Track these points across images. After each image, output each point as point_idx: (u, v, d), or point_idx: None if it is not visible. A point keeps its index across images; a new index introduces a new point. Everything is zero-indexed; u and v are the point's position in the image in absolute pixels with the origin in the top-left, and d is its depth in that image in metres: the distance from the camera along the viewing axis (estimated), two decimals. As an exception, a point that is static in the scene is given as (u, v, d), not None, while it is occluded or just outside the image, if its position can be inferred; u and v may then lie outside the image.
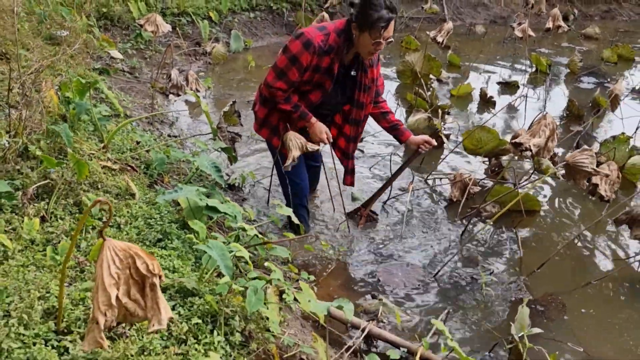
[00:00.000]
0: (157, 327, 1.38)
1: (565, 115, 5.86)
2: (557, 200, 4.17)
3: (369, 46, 2.80)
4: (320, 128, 3.07)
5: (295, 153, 3.03)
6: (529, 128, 3.22)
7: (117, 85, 5.17)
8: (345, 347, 2.41)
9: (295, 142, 3.06)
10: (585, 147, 3.16)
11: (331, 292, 3.02)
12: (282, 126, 3.13)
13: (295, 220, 2.82)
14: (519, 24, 7.40)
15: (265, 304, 2.11)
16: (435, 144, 3.36)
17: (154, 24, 5.10)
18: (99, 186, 2.75)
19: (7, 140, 2.48)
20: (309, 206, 3.61)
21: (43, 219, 2.40)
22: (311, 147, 3.08)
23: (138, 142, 3.66)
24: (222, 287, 2.07)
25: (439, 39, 6.07)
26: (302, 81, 2.92)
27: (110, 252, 1.34)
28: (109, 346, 1.64)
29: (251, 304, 1.97)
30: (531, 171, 4.11)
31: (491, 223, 3.49)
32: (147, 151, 3.50)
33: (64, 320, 1.74)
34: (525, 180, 3.92)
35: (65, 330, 1.73)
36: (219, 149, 3.52)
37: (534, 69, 7.34)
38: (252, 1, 8.23)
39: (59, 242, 2.22)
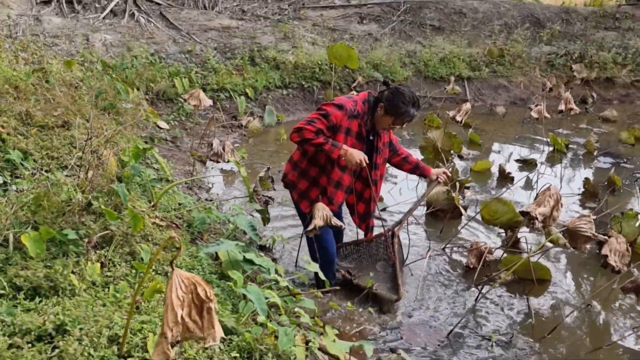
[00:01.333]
0: (212, 343, 1.68)
1: (581, 192, 6.11)
2: (570, 271, 4.37)
3: (387, 126, 3.33)
4: (355, 153, 3.25)
5: (318, 222, 3.33)
6: (535, 199, 3.51)
7: (160, 153, 5.65)
8: (365, 393, 2.63)
9: (321, 213, 3.37)
10: (584, 213, 3.43)
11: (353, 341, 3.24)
12: (315, 196, 3.47)
13: (322, 276, 3.11)
14: (536, 105, 7.82)
15: (294, 345, 2.38)
16: (450, 175, 3.82)
17: (197, 98, 5.65)
18: (150, 239, 3.11)
19: (80, 196, 2.88)
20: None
21: (102, 265, 2.75)
22: (335, 222, 3.40)
23: (180, 204, 4.05)
24: (257, 329, 2.35)
25: (458, 118, 6.49)
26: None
27: (178, 279, 1.67)
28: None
29: (283, 343, 2.25)
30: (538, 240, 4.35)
31: (496, 285, 3.72)
32: (189, 211, 3.88)
33: (126, 345, 2.04)
34: (537, 250, 4.15)
35: (126, 354, 2.03)
36: (255, 210, 3.87)
37: (551, 149, 7.67)
38: (285, 79, 8.87)
39: (117, 284, 2.56)
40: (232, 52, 9.06)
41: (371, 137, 3.46)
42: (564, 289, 4.12)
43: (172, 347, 1.68)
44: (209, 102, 5.77)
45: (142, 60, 7.33)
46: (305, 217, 3.55)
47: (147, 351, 2.05)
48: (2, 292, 2.37)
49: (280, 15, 11.32)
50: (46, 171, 3.37)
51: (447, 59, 10.71)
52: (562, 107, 7.47)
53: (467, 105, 6.38)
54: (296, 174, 3.54)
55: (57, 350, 1.97)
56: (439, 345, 3.33)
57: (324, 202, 3.44)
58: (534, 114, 7.68)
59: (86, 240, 2.80)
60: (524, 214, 3.49)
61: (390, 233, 3.80)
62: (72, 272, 2.54)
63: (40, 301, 2.32)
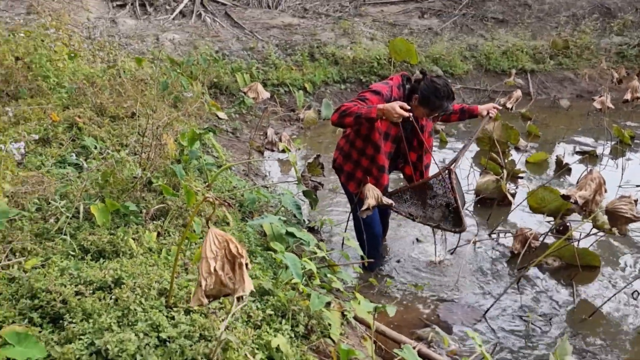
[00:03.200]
0: (242, 294, 1.89)
1: (643, 184, 5.92)
2: (621, 258, 4.30)
3: (421, 115, 3.43)
4: (389, 106, 3.13)
5: (371, 202, 3.49)
6: (577, 183, 3.52)
7: (220, 143, 6.00)
8: None
9: (372, 192, 3.53)
10: (624, 194, 3.40)
11: (391, 320, 3.38)
12: (362, 175, 3.63)
13: (360, 252, 3.28)
14: (600, 96, 7.59)
15: (328, 310, 2.57)
16: (500, 107, 3.80)
17: (255, 91, 5.94)
18: (202, 214, 3.39)
19: (140, 172, 3.20)
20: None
21: (159, 234, 3.06)
22: (386, 200, 3.55)
23: (234, 186, 4.34)
24: (291, 293, 2.56)
25: (509, 105, 6.43)
26: (377, 129, 3.42)
27: (212, 236, 1.90)
28: (203, 314, 2.17)
29: (314, 304, 2.44)
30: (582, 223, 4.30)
31: (531, 267, 3.73)
32: (242, 195, 4.15)
33: (173, 297, 2.31)
34: (584, 236, 4.12)
35: (173, 305, 2.29)
36: (303, 194, 4.09)
37: (615, 141, 7.42)
38: (344, 74, 9.06)
39: (170, 250, 2.85)
40: (292, 49, 9.35)
41: (410, 119, 3.50)
42: (613, 275, 4.07)
43: (208, 298, 1.91)
44: (267, 94, 6.04)
45: (207, 57, 7.73)
46: (353, 199, 3.73)
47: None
48: (72, 253, 2.71)
49: (341, 12, 11.52)
50: (113, 151, 3.74)
51: (509, 51, 10.52)
52: (627, 96, 7.21)
53: (517, 93, 6.28)
54: (342, 157, 3.73)
55: (114, 298, 2.27)
56: (474, 323, 3.42)
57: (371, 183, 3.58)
58: (597, 105, 7.45)
59: (145, 212, 3.12)
60: (565, 197, 3.51)
61: (446, 171, 3.68)
62: (132, 239, 2.85)
63: (103, 262, 2.63)
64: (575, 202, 3.37)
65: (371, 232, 3.80)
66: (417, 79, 3.44)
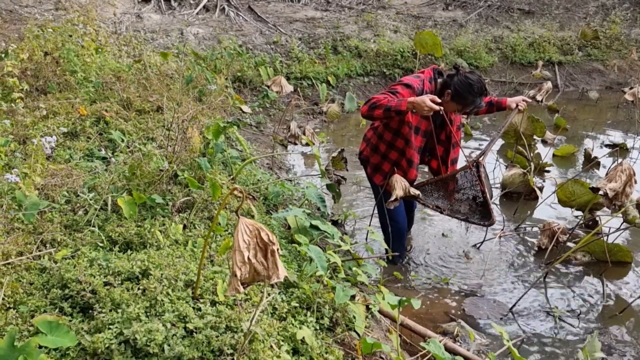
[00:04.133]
0: (276, 280, 1.90)
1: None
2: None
3: (453, 110, 3.38)
4: (419, 99, 3.09)
5: (399, 192, 3.47)
6: (606, 174, 3.44)
7: (244, 137, 6.02)
8: (420, 353, 2.76)
9: (400, 183, 3.51)
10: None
11: (416, 314, 3.37)
12: (389, 168, 3.61)
13: (384, 245, 3.26)
14: (631, 88, 7.41)
15: (353, 303, 2.57)
16: (530, 101, 3.70)
17: (279, 85, 5.96)
18: (227, 206, 3.41)
19: (166, 165, 3.24)
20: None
21: (184, 226, 3.09)
22: (413, 191, 3.52)
23: (259, 180, 4.35)
24: (316, 285, 2.56)
25: (538, 98, 6.31)
26: (406, 123, 3.38)
27: (243, 225, 1.91)
28: (229, 305, 2.19)
29: (339, 297, 2.44)
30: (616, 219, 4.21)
31: (559, 261, 3.66)
32: (266, 189, 4.17)
33: (199, 289, 2.33)
34: (614, 231, 4.03)
35: (200, 297, 2.32)
36: (326, 187, 4.09)
37: (647, 133, 7.25)
38: (367, 67, 9.01)
39: (196, 242, 2.87)
40: (315, 42, 9.33)
41: (441, 112, 3.39)
42: (645, 272, 3.99)
43: (243, 286, 1.92)
44: (290, 87, 6.05)
45: (231, 51, 7.77)
46: (378, 191, 3.72)
47: (216, 295, 2.32)
48: (101, 244, 2.75)
49: (364, 5, 11.45)
50: (139, 144, 3.79)
51: (536, 43, 10.34)
52: (659, 88, 7.04)
53: (548, 85, 6.17)
54: (369, 149, 3.72)
55: (141, 289, 2.29)
56: (501, 318, 3.38)
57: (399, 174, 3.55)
58: (628, 97, 7.28)
59: (171, 204, 3.15)
60: (595, 189, 3.44)
61: (475, 164, 3.65)
62: (159, 231, 2.88)
63: (131, 253, 2.67)
64: (605, 195, 3.30)
65: (396, 226, 3.77)
66: (449, 73, 3.39)
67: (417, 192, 3.54)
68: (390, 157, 3.59)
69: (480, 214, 3.64)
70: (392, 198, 3.43)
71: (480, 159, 3.67)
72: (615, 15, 11.01)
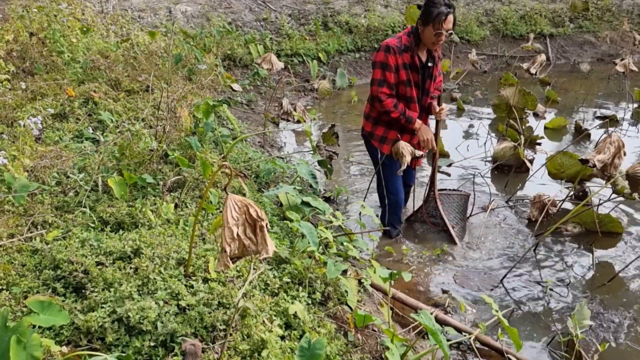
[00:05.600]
0: (266, 255, 1.92)
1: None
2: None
3: (432, 37, 3.39)
4: (426, 129, 3.63)
5: (407, 158, 3.51)
6: (595, 146, 3.46)
7: (235, 115, 5.99)
8: (412, 325, 2.81)
9: (407, 149, 3.55)
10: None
11: (407, 287, 3.41)
12: (394, 136, 3.65)
13: (377, 220, 3.28)
14: (622, 59, 7.41)
15: (345, 278, 2.59)
16: (444, 116, 3.81)
17: (269, 62, 5.90)
18: (218, 185, 3.41)
19: (155, 144, 3.22)
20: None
21: (176, 205, 3.09)
22: (417, 152, 3.58)
23: (250, 157, 4.35)
24: (308, 261, 2.58)
25: (532, 70, 6.32)
26: (400, 81, 3.49)
27: (232, 202, 1.92)
28: (220, 282, 2.21)
29: (330, 272, 2.46)
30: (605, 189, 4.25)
31: (549, 233, 3.70)
32: (258, 166, 4.17)
33: (191, 267, 2.35)
34: (604, 201, 4.07)
35: (191, 274, 2.33)
36: (317, 162, 4.09)
37: (637, 105, 7.26)
38: (358, 43, 8.94)
39: (187, 221, 2.88)
40: (305, 18, 9.24)
41: (430, 64, 3.57)
42: (634, 241, 4.03)
43: (232, 260, 1.94)
44: (281, 64, 6.00)
45: (220, 29, 7.67)
46: (378, 161, 3.73)
47: (208, 272, 2.34)
48: (92, 225, 2.76)
49: (355, -21, 11.29)
50: (128, 125, 3.76)
51: (527, 15, 10.28)
52: (649, 59, 7.03)
53: (541, 57, 6.19)
54: (370, 124, 3.74)
55: (133, 268, 2.31)
56: (491, 289, 3.43)
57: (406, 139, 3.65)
58: (620, 68, 7.29)
59: (162, 184, 3.15)
60: (584, 161, 3.46)
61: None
62: (150, 210, 2.88)
63: (122, 233, 2.68)
64: (594, 166, 3.32)
65: (394, 198, 3.83)
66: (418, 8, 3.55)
67: (421, 152, 3.62)
68: (395, 123, 3.65)
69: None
70: (404, 167, 3.47)
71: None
72: (606, -14, 10.94)
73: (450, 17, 3.34)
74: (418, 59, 3.50)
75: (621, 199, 4.00)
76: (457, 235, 3.98)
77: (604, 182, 4.12)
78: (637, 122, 6.83)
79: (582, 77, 9.17)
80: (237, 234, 1.91)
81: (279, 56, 8.04)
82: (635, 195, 3.64)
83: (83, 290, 2.22)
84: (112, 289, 2.19)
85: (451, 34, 3.45)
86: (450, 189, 4.31)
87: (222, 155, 3.88)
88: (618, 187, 3.75)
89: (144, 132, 3.39)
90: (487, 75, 9.14)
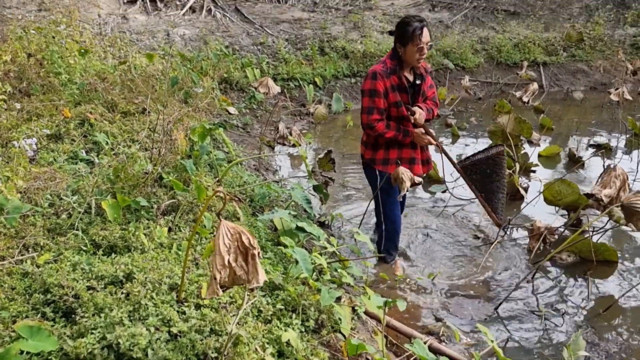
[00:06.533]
0: (256, 285, 1.89)
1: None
2: None
3: (415, 54, 3.45)
4: (418, 138, 3.65)
5: (407, 184, 3.51)
6: (600, 180, 3.47)
7: (231, 138, 6.00)
8: (406, 354, 2.77)
9: (407, 175, 3.55)
10: (640, 190, 3.35)
11: (402, 314, 3.37)
12: (396, 154, 3.68)
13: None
14: (616, 88, 7.49)
15: (339, 305, 2.57)
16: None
17: (266, 86, 5.93)
18: (212, 209, 3.39)
19: (150, 167, 3.21)
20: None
21: (170, 229, 3.06)
22: (417, 179, 3.58)
23: (245, 181, 4.34)
24: (301, 287, 2.56)
25: (525, 99, 6.38)
26: (390, 103, 3.53)
27: (224, 228, 1.90)
28: (213, 308, 2.17)
29: (324, 299, 2.44)
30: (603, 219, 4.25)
31: (547, 260, 3.68)
32: (253, 190, 4.15)
33: (183, 292, 2.31)
34: (599, 230, 4.07)
35: (184, 300, 2.30)
36: (312, 187, 4.08)
37: (630, 134, 7.33)
38: (354, 68, 9.03)
39: (181, 245, 2.85)
40: (302, 43, 9.33)
41: (418, 81, 3.64)
42: (631, 271, 4.02)
43: (222, 288, 1.91)
44: (277, 89, 6.03)
45: (217, 52, 7.73)
46: (377, 185, 3.72)
47: (201, 298, 2.31)
48: (84, 248, 2.73)
49: (351, 5, 11.47)
50: (124, 147, 3.76)
51: (521, 44, 10.43)
52: (642, 88, 7.13)
53: (534, 86, 6.25)
54: (370, 150, 3.75)
55: (125, 293, 2.28)
56: (486, 318, 3.40)
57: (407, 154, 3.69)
58: (614, 97, 7.35)
59: (156, 207, 3.13)
60: (589, 195, 3.47)
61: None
62: (143, 234, 2.86)
63: (115, 257, 2.65)
64: (601, 201, 3.32)
65: (392, 226, 3.83)
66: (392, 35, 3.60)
67: (421, 180, 3.62)
68: (393, 142, 3.67)
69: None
70: (403, 193, 3.47)
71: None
72: (598, 17, 11.14)
73: (425, 30, 3.43)
74: (405, 79, 3.57)
75: (616, 227, 3.99)
76: (500, 217, 3.90)
77: (599, 211, 4.13)
78: (630, 151, 6.88)
79: (575, 105, 9.26)
80: (228, 262, 1.89)
81: (275, 80, 8.09)
82: (630, 225, 3.64)
83: (73, 315, 2.18)
84: (102, 315, 2.15)
85: (431, 46, 3.54)
86: (475, 155, 4.03)
87: (217, 179, 3.87)
88: (614, 217, 3.75)
89: (139, 154, 3.38)
90: (481, 102, 9.23)
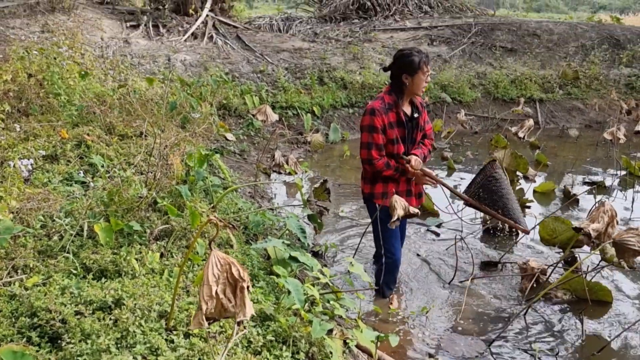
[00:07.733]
0: (242, 318, 1.86)
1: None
2: (636, 294, 4.21)
3: (422, 82, 3.52)
4: (419, 177, 3.69)
5: (400, 212, 3.49)
6: (589, 215, 3.47)
7: (227, 164, 6.01)
8: (398, 390, 2.72)
9: (400, 203, 3.53)
10: (632, 226, 3.35)
11: (393, 349, 3.32)
12: (395, 187, 3.69)
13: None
14: (611, 128, 7.57)
15: (330, 338, 2.53)
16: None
17: (264, 113, 5.97)
18: (206, 235, 3.37)
19: (145, 191, 3.20)
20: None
21: (162, 255, 3.03)
22: (412, 210, 3.55)
23: (240, 208, 4.32)
24: (293, 318, 2.52)
25: (520, 134, 6.43)
26: (388, 140, 3.54)
27: (215, 258, 1.88)
28: (202, 338, 2.14)
29: (316, 331, 2.40)
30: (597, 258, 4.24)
31: (539, 298, 3.65)
32: (247, 218, 4.13)
33: (173, 320, 2.28)
34: (592, 269, 4.05)
35: (173, 328, 2.26)
36: (307, 216, 4.07)
37: (624, 172, 7.37)
38: (352, 98, 9.11)
39: (172, 271, 2.82)
40: (301, 72, 9.43)
41: (416, 115, 3.66)
42: (625, 311, 3.98)
43: (208, 321, 1.88)
44: (275, 117, 6.07)
45: (217, 78, 7.81)
46: (375, 216, 3.71)
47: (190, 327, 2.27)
48: (74, 271, 2.69)
49: (351, 37, 11.64)
50: (119, 170, 3.75)
51: (518, 80, 10.58)
52: (639, 127, 7.20)
53: (530, 122, 6.31)
54: (369, 185, 3.75)
55: (113, 319, 2.24)
56: (477, 355, 3.35)
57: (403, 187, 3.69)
58: (607, 136, 7.43)
59: (149, 232, 3.11)
60: (577, 229, 3.47)
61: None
62: (135, 259, 2.83)
63: (105, 282, 2.61)
64: (588, 235, 3.32)
65: (392, 259, 3.80)
66: (388, 70, 3.61)
67: (417, 210, 3.58)
68: (392, 181, 3.68)
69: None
70: (394, 219, 3.45)
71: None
72: (594, 56, 11.32)
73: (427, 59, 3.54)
74: (403, 114, 3.59)
75: (610, 266, 3.98)
76: (522, 224, 3.84)
77: (591, 248, 4.11)
78: (625, 189, 6.91)
79: (570, 142, 9.34)
80: (216, 292, 1.86)
81: (273, 108, 8.15)
82: (622, 262, 3.62)
83: (59, 341, 2.14)
84: (89, 341, 2.11)
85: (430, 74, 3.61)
86: (474, 180, 3.94)
87: (212, 205, 3.85)
88: (607, 255, 3.74)
89: (134, 178, 3.37)
90: (478, 135, 9.29)
